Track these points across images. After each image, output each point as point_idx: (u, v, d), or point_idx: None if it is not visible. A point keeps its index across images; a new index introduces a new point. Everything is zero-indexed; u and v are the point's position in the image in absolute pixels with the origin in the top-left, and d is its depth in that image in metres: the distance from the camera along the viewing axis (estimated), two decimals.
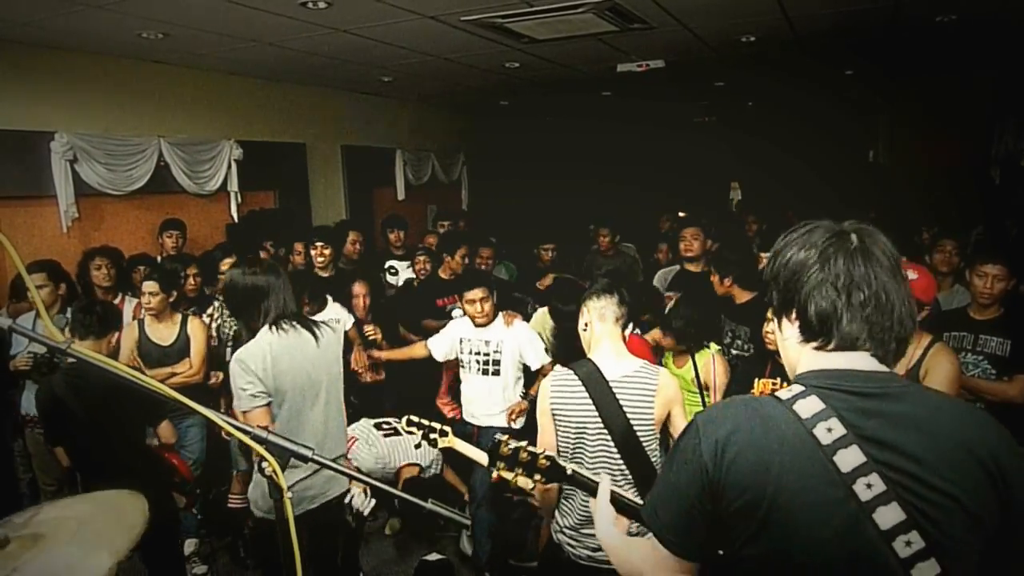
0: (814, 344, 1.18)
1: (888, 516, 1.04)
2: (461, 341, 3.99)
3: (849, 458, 1.06)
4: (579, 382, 2.49)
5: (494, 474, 1.85)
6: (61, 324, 3.82)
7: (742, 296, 3.88)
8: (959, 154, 8.08)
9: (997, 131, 7.50)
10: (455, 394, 4.29)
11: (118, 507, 1.36)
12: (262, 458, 1.43)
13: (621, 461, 2.43)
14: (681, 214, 7.96)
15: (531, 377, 4.02)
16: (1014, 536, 1.08)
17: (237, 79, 6.30)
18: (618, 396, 2.44)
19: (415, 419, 2.96)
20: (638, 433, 2.42)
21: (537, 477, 1.82)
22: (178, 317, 4.09)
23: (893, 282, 1.14)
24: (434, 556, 3.78)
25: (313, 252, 4.95)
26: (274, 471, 1.42)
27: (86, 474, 3.20)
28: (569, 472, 1.82)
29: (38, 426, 3.81)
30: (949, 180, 7.99)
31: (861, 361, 1.15)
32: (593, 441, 2.47)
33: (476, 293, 3.86)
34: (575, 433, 2.49)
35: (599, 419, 2.44)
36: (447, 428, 2.94)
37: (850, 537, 1.05)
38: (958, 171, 7.98)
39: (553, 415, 2.54)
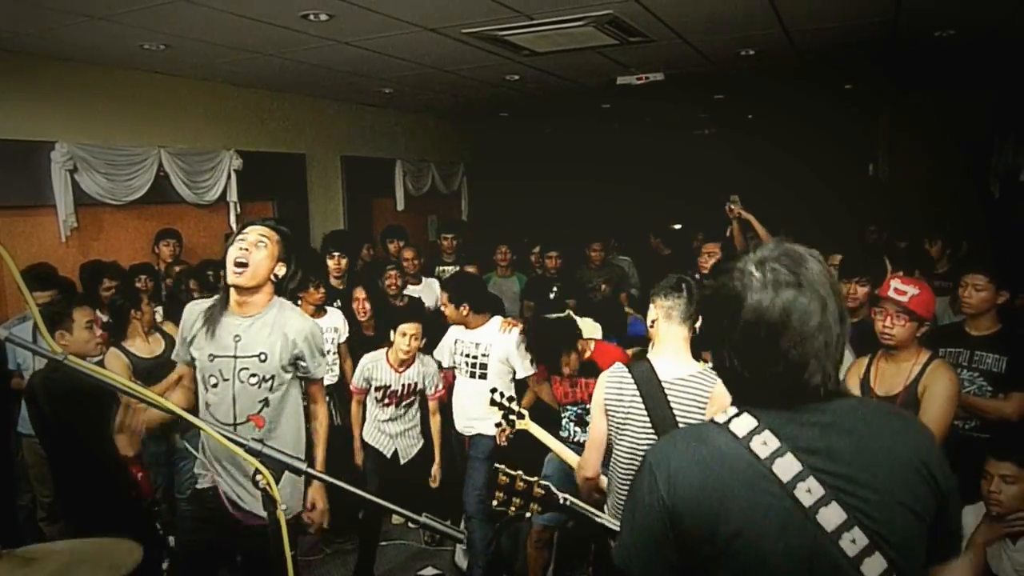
0: None
1: (830, 516, 1.10)
2: (456, 343, 4.02)
3: (786, 466, 1.13)
4: (632, 380, 2.46)
5: (494, 503, 1.84)
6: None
7: None
8: (959, 168, 8.08)
9: (997, 145, 7.51)
10: None
11: (110, 550, 1.34)
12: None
13: None
14: (676, 226, 7.96)
15: (521, 391, 4.02)
16: (944, 522, 1.19)
17: (237, 90, 6.32)
18: (669, 398, 2.40)
19: (498, 399, 3.22)
20: None
21: (534, 506, 1.81)
22: (161, 328, 4.08)
23: (785, 308, 1.14)
24: (430, 571, 3.75)
25: (330, 262, 4.88)
26: (268, 483, 1.41)
27: (60, 477, 3.17)
28: (566, 503, 1.80)
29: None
30: (949, 194, 8.00)
31: None
32: (641, 440, 2.44)
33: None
34: (623, 429, 2.49)
35: (647, 418, 2.41)
36: (524, 411, 3.20)
37: (802, 541, 1.11)
38: (958, 185, 7.98)
39: (606, 411, 2.54)
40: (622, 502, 2.46)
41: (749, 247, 1.45)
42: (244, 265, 2.50)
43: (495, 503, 1.84)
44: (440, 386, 4.13)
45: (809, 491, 1.11)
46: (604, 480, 2.64)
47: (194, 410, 2.63)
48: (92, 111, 5.17)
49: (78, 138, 5.00)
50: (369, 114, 8.05)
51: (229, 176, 6.15)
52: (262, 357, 2.57)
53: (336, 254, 4.89)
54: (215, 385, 2.59)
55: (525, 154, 10.90)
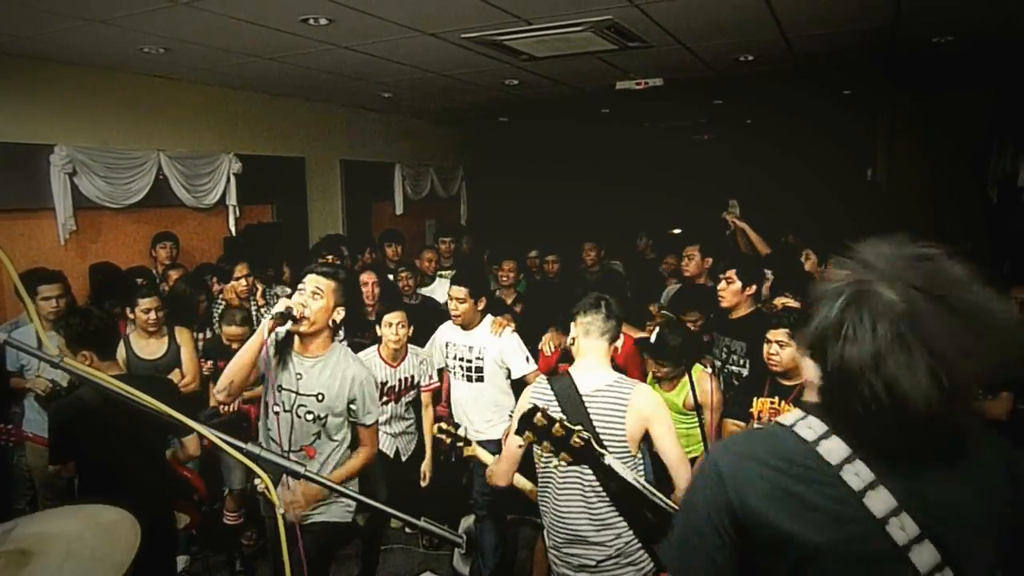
0: None
1: (924, 557, 1.03)
2: (447, 346, 3.98)
3: (879, 501, 1.05)
4: (552, 394, 2.53)
5: (520, 440, 1.81)
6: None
7: (742, 309, 3.83)
8: (957, 172, 8.10)
9: (995, 150, 7.53)
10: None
11: (107, 525, 1.33)
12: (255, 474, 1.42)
13: (590, 474, 2.40)
14: (676, 231, 7.97)
15: (518, 391, 4.00)
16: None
17: (237, 93, 6.33)
18: (588, 409, 2.45)
19: (445, 426, 3.18)
20: (607, 446, 2.38)
21: (564, 455, 1.78)
22: (165, 329, 4.05)
23: (918, 333, 1.01)
24: (428, 575, 3.75)
25: None
26: (266, 487, 1.41)
27: (92, 490, 3.10)
28: (607, 461, 1.77)
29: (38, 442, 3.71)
30: (948, 198, 8.01)
31: None
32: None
33: (456, 291, 3.85)
34: None
35: None
36: (471, 437, 3.17)
37: None
38: (956, 189, 8.00)
39: None
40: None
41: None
42: (304, 318, 2.65)
43: (521, 442, 1.81)
44: (435, 377, 4.09)
45: (903, 528, 1.03)
46: (527, 483, 2.72)
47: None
48: (91, 114, 5.17)
49: (77, 141, 5.00)
50: (368, 118, 8.06)
51: (228, 179, 6.16)
52: (319, 397, 2.73)
53: (330, 258, 4.90)
54: (277, 412, 2.76)
55: (524, 158, 10.92)
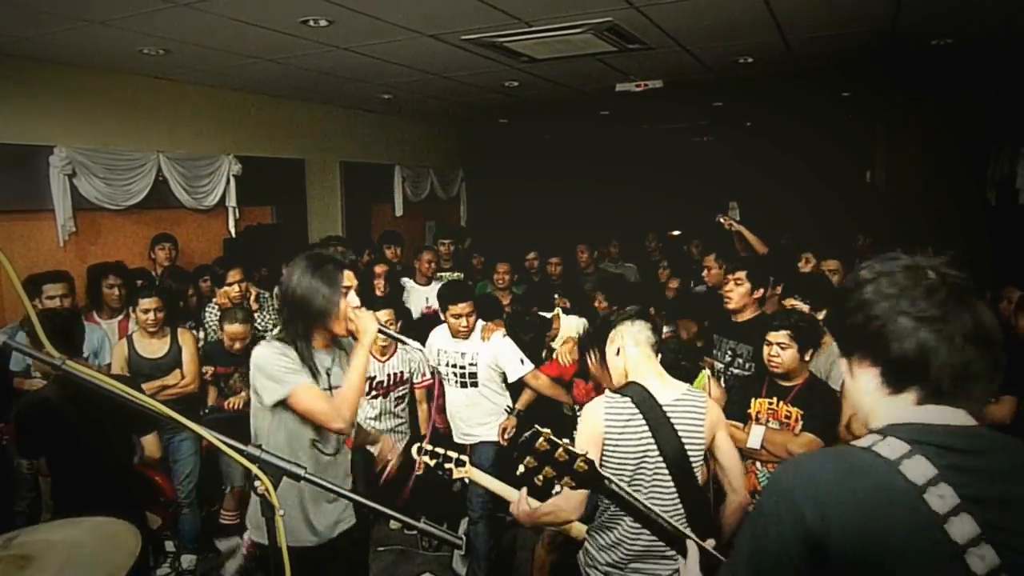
0: (904, 394, 1.10)
1: None
2: (439, 353, 3.98)
3: (962, 528, 1.00)
4: (634, 407, 2.33)
5: (519, 469, 1.76)
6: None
7: (748, 313, 3.79)
8: (956, 175, 8.11)
9: (994, 153, 7.54)
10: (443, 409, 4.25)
11: (109, 534, 1.33)
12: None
13: (674, 489, 2.31)
14: (675, 232, 7.98)
15: (516, 392, 4.00)
16: None
17: (237, 95, 6.33)
18: (672, 421, 2.33)
19: (428, 447, 2.86)
20: (691, 458, 2.32)
21: (567, 480, 1.73)
22: (167, 329, 4.07)
23: (980, 327, 1.05)
24: None
25: None
26: (267, 489, 1.41)
27: (62, 489, 3.10)
28: (612, 486, 1.72)
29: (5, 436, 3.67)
30: (946, 201, 8.02)
31: (955, 415, 1.08)
32: (651, 469, 2.32)
33: (462, 307, 3.83)
34: (635, 462, 2.32)
35: (655, 444, 2.31)
36: (464, 457, 2.86)
37: None
38: (955, 192, 8.01)
39: (605, 443, 2.34)
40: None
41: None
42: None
43: (521, 468, 1.75)
44: (428, 374, 4.08)
45: (983, 558, 0.99)
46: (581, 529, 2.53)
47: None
48: (91, 115, 5.17)
49: (77, 142, 5.00)
50: (368, 119, 8.06)
51: (228, 181, 6.16)
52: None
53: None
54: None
55: (524, 160, 10.93)
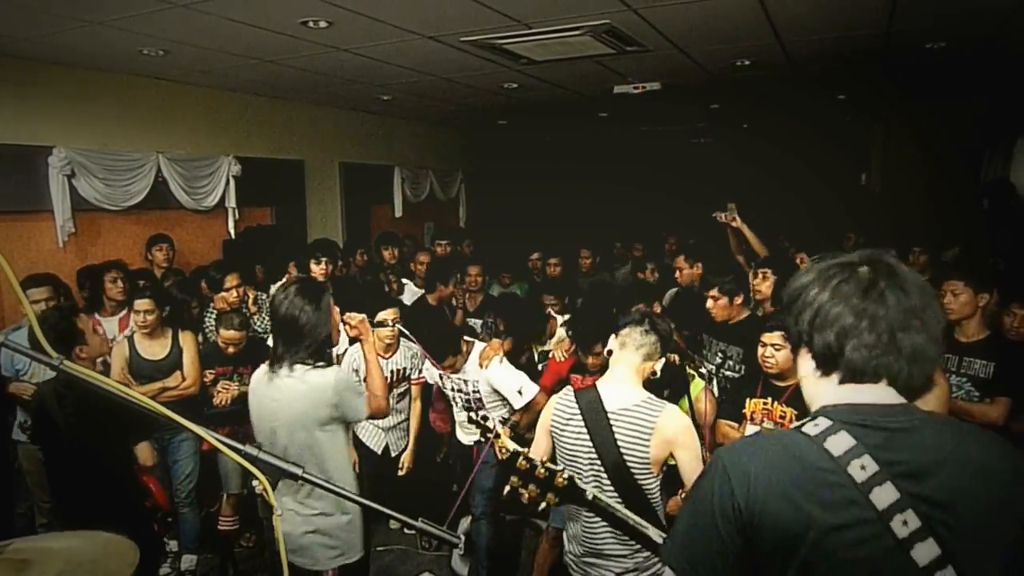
0: (831, 377, 1.19)
1: (925, 552, 1.05)
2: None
3: (884, 495, 1.06)
4: (578, 408, 2.47)
5: (506, 489, 1.82)
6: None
7: (736, 316, 3.84)
8: (951, 177, 8.13)
9: (987, 156, 7.57)
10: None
11: (108, 542, 1.33)
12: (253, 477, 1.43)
13: (615, 493, 2.38)
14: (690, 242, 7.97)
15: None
16: None
17: (237, 96, 6.34)
18: (614, 428, 2.39)
19: (475, 416, 3.04)
20: (631, 468, 2.37)
21: (550, 496, 1.79)
22: (168, 331, 4.06)
23: (907, 314, 1.13)
24: None
25: (314, 266, 4.89)
26: (265, 489, 1.42)
27: (61, 491, 3.13)
28: (589, 497, 1.78)
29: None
30: (941, 203, 8.04)
31: (883, 394, 1.15)
32: (586, 468, 2.44)
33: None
34: (568, 457, 2.49)
35: (592, 447, 2.41)
36: (500, 430, 2.96)
37: (890, 574, 1.06)
38: (950, 194, 8.03)
39: (551, 434, 2.58)
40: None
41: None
42: None
43: (507, 488, 1.82)
44: (424, 373, 4.09)
45: (905, 523, 1.05)
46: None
47: None
48: (91, 116, 5.18)
49: (76, 143, 5.01)
50: (368, 121, 8.07)
51: (228, 182, 6.17)
52: None
53: (324, 259, 4.91)
54: None
55: (523, 161, 10.95)
